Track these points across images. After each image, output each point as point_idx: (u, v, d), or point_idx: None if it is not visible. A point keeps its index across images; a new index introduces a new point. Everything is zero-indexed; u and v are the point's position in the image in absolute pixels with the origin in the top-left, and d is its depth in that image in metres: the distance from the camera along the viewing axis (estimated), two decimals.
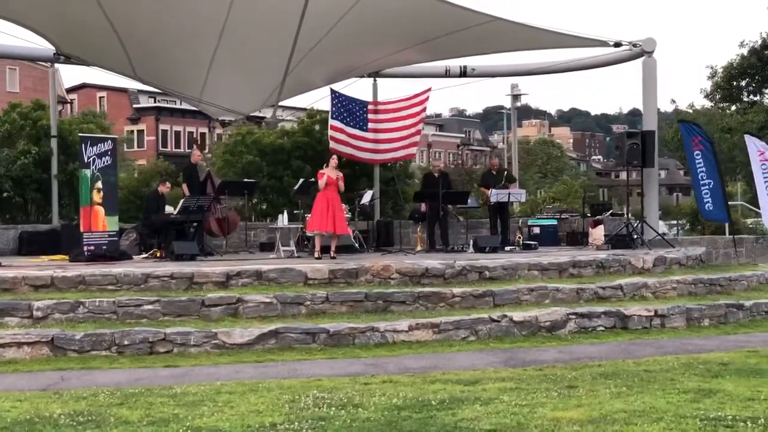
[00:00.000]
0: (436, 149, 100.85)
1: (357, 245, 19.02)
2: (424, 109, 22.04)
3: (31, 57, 20.13)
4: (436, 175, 19.67)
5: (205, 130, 64.05)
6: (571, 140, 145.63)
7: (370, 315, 12.99)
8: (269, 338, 11.83)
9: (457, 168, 52.36)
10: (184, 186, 18.64)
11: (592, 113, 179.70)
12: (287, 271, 14.00)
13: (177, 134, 76.62)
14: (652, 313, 13.65)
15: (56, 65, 20.36)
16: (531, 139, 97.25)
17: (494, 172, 20.43)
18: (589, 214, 21.48)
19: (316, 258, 16.02)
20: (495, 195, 19.26)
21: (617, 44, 19.53)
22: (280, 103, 25.01)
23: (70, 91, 73.18)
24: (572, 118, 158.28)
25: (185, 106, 62.87)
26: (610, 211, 20.85)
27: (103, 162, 16.28)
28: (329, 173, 16.44)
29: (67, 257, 16.42)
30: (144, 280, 13.48)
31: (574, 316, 13.18)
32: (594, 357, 11.18)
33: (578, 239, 20.51)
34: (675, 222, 30.46)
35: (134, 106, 74.70)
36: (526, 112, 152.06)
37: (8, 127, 21.61)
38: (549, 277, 15.36)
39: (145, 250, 17.28)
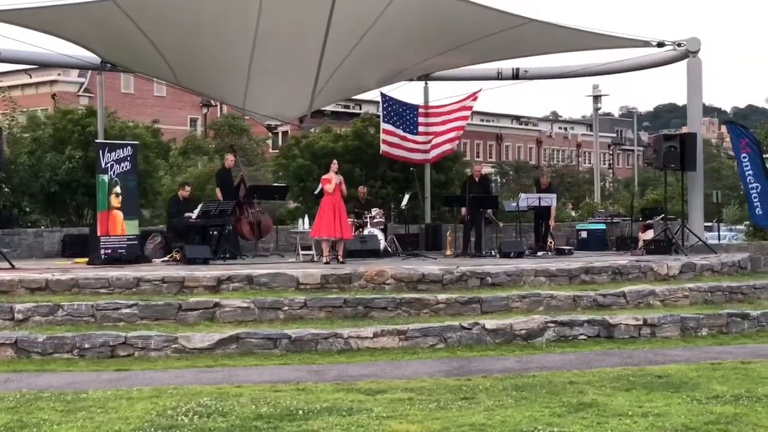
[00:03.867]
0: (586, 149, 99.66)
1: (390, 250, 18.95)
2: (471, 107, 21.86)
3: (80, 66, 20.76)
4: (476, 179, 19.45)
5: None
6: None
7: (348, 321, 12.96)
8: (230, 343, 11.92)
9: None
10: (218, 190, 18.98)
11: None
12: (279, 275, 14.08)
13: None
14: (641, 322, 13.20)
15: None
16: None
17: (542, 187, 20.12)
18: (640, 219, 20.87)
19: (325, 263, 16.07)
20: (524, 199, 18.97)
21: (660, 44, 19.01)
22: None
23: None
24: (749, 115, 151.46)
25: (328, 108, 63.71)
26: (661, 216, 20.17)
27: (122, 167, 16.69)
28: (335, 178, 16.48)
29: None
30: (135, 283, 13.74)
31: (553, 324, 12.86)
32: (546, 367, 10.93)
33: (627, 244, 19.95)
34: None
35: None
36: None
37: (51, 131, 22.32)
38: (558, 284, 15.02)
39: (169, 253, 17.61)
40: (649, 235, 19.62)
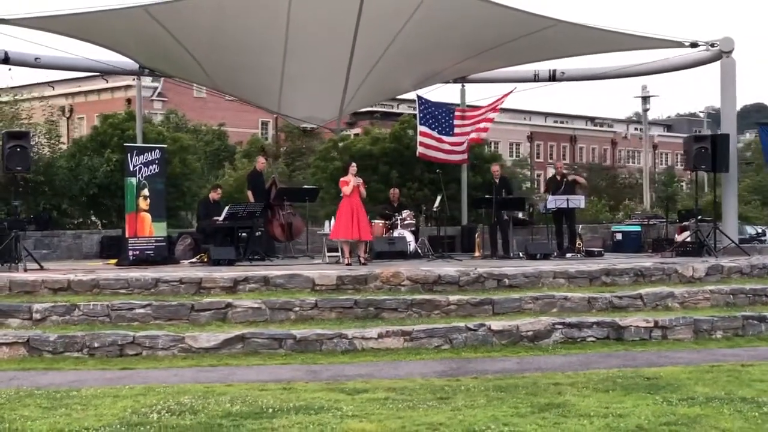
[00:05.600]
0: (663, 150, 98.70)
1: (421, 252, 19.02)
2: (502, 101, 21.86)
3: (119, 72, 21.22)
4: (496, 181, 19.39)
5: None
6: None
7: (358, 322, 13.04)
8: (236, 343, 12.10)
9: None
10: (249, 193, 19.25)
11: None
12: (294, 277, 14.22)
13: None
14: (652, 325, 13.09)
15: None
16: None
17: (558, 177, 19.99)
18: (677, 220, 20.67)
19: (346, 265, 16.20)
20: (552, 201, 18.87)
21: (693, 44, 18.80)
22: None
23: None
24: None
25: (399, 109, 63.93)
26: (698, 217, 19.95)
27: (150, 170, 17.00)
28: (353, 180, 16.61)
29: None
30: (154, 284, 13.99)
31: (560, 326, 12.81)
32: (543, 368, 10.93)
33: (663, 246, 19.74)
34: None
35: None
36: None
37: (90, 136, 22.79)
38: (578, 285, 14.93)
39: (199, 254, 17.89)
40: (686, 237, 19.42)
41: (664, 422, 7.54)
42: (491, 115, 21.76)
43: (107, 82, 66.50)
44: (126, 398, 9.11)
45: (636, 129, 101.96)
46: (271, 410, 8.29)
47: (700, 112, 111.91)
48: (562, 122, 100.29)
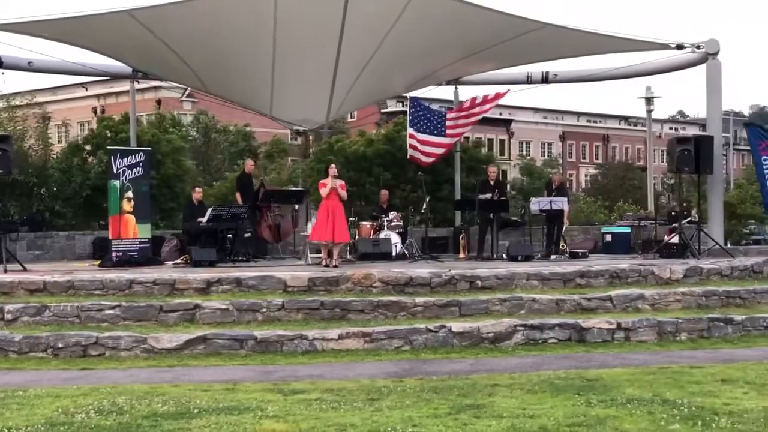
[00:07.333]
0: None
1: (407, 253, 19.12)
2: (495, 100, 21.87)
3: (112, 75, 21.49)
4: (491, 182, 19.46)
5: None
6: None
7: (324, 323, 13.17)
8: (198, 344, 12.28)
9: None
10: (238, 195, 19.46)
11: None
12: (267, 278, 14.39)
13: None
14: (615, 326, 13.13)
15: None
16: None
17: (554, 186, 20.09)
18: (666, 221, 20.63)
19: (325, 266, 16.34)
20: (536, 203, 18.96)
21: (679, 47, 18.76)
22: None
23: None
24: None
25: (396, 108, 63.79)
26: (688, 219, 19.90)
27: (134, 173, 17.28)
28: (330, 182, 16.75)
29: None
30: (128, 285, 14.18)
31: (522, 328, 12.89)
32: (493, 369, 11.03)
33: (652, 247, 19.71)
34: None
35: (382, 110, 75.38)
36: None
37: (86, 138, 23.05)
38: (552, 287, 14.97)
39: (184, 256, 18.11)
40: (675, 238, 19.36)
41: (570, 423, 7.62)
42: (479, 115, 21.81)
43: (138, 83, 66.63)
44: (66, 398, 9.28)
45: (671, 128, 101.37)
46: (196, 411, 8.44)
47: (762, 108, 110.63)
48: (594, 121, 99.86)
